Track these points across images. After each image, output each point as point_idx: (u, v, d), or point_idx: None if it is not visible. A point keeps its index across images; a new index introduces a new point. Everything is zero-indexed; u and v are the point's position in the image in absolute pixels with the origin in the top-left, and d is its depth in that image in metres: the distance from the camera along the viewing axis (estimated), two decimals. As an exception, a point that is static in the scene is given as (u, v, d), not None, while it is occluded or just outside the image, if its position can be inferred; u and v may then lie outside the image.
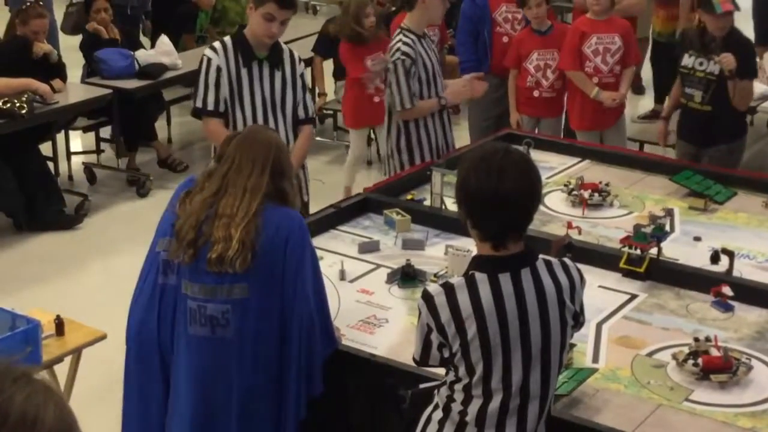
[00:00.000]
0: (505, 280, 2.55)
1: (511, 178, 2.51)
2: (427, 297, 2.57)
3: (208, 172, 3.15)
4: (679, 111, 5.50)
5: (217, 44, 4.31)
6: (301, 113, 4.40)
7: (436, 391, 2.71)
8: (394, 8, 7.28)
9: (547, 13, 6.05)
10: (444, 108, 4.99)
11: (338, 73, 7.28)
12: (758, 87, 6.76)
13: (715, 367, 3.07)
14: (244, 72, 4.26)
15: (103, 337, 4.00)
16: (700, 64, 5.23)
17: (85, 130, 7.36)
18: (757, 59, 7.10)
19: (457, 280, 2.58)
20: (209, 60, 4.25)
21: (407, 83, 4.80)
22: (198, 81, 4.30)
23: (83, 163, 7.35)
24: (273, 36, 4.21)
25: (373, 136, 6.97)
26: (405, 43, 4.81)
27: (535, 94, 6.09)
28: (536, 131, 5.97)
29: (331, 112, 7.72)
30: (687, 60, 5.28)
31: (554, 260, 2.66)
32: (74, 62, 7.36)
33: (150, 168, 7.32)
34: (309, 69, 6.92)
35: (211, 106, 4.26)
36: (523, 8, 6.04)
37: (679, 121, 5.50)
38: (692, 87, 5.28)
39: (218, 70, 4.23)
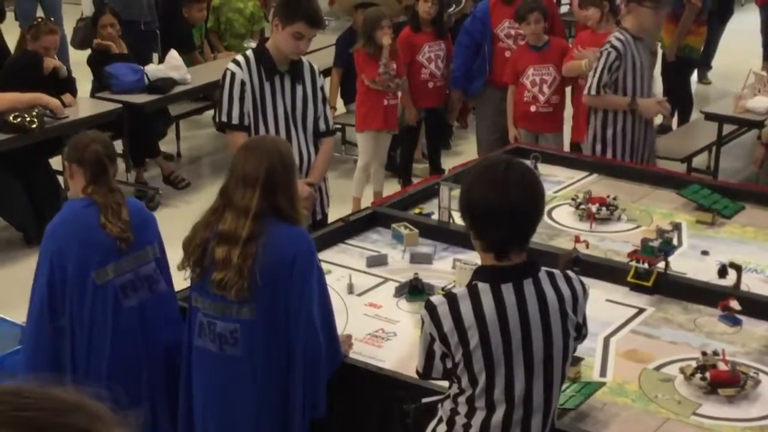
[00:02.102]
0: (508, 290, 2.56)
1: (514, 190, 2.53)
2: (430, 307, 2.58)
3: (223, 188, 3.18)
4: None
5: (240, 58, 4.34)
6: (322, 126, 4.43)
7: (439, 405, 2.72)
8: (402, 19, 7.33)
9: (543, 29, 6.10)
10: (633, 110, 5.22)
11: (348, 96, 7.32)
12: (765, 101, 6.77)
13: (723, 381, 3.06)
14: (267, 86, 4.29)
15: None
16: None
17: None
18: (764, 73, 7.12)
19: (460, 291, 2.59)
20: (233, 74, 4.27)
21: (602, 72, 5.14)
22: (222, 95, 4.33)
23: (92, 177, 7.36)
24: (300, 53, 4.25)
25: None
26: (618, 39, 5.13)
27: (533, 109, 6.12)
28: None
29: (339, 126, 7.74)
30: None
31: (557, 272, 2.68)
32: (83, 76, 7.40)
33: (158, 182, 7.34)
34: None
35: (236, 120, 4.28)
36: (521, 24, 6.09)
37: None
38: None
39: (242, 84, 4.25)
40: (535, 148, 5.33)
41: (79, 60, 7.62)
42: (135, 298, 3.31)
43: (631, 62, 5.16)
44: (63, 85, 6.55)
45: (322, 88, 4.43)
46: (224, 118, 4.33)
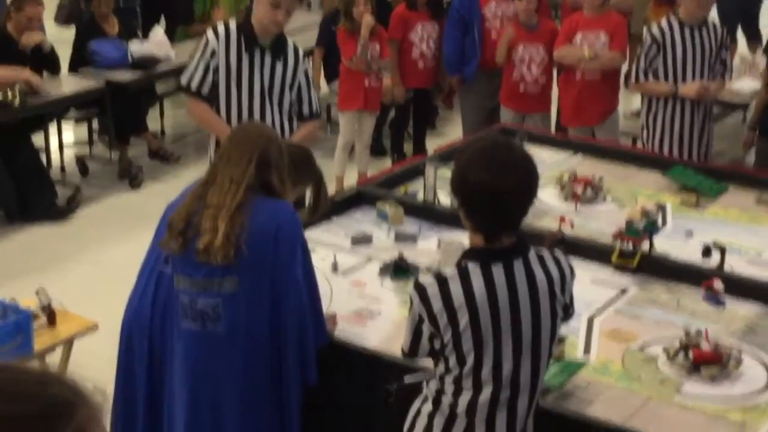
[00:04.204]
0: (498, 271, 2.56)
1: (513, 174, 2.52)
2: (420, 287, 2.58)
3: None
4: (765, 110, 5.41)
5: (221, 27, 4.35)
6: (305, 110, 4.45)
7: (425, 384, 2.72)
8: None
9: (537, 7, 6.07)
10: (675, 97, 5.27)
11: (330, 75, 7.30)
12: (750, 83, 6.78)
13: (706, 360, 3.08)
14: (245, 57, 4.29)
15: (95, 328, 4.00)
16: None
17: (78, 121, 7.35)
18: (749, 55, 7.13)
19: (449, 271, 2.59)
20: (207, 42, 4.32)
21: (642, 58, 5.27)
22: (191, 58, 4.35)
23: (75, 155, 7.34)
24: (278, 24, 4.24)
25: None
26: (659, 26, 5.28)
27: (521, 88, 6.11)
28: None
29: (324, 105, 7.71)
30: None
31: (545, 253, 2.68)
32: (62, 54, 7.34)
33: (142, 160, 7.32)
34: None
35: (194, 87, 4.33)
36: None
37: (764, 120, 5.42)
38: None
39: (212, 53, 4.28)
40: (523, 129, 5.32)
41: (59, 37, 7.55)
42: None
43: (672, 49, 5.21)
44: (45, 61, 6.49)
45: (306, 72, 4.42)
46: (184, 82, 4.39)
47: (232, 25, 4.34)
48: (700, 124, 5.36)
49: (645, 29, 5.24)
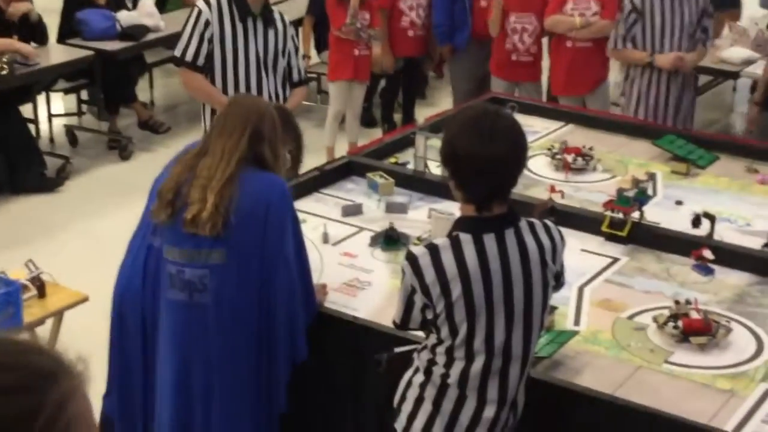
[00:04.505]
0: (490, 240, 2.56)
1: (501, 142, 2.51)
2: (412, 258, 2.57)
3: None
4: None
5: None
6: (295, 76, 4.50)
7: (416, 355, 2.72)
8: None
9: None
10: (651, 66, 5.21)
11: (323, 44, 7.25)
12: (741, 52, 6.77)
13: (695, 329, 3.09)
14: (239, 27, 4.29)
15: (85, 300, 4.00)
16: None
17: (67, 92, 7.30)
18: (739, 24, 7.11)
19: (441, 241, 2.58)
20: (200, 12, 4.29)
21: (622, 25, 5.21)
22: (184, 30, 4.32)
23: (65, 125, 7.30)
24: None
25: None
26: None
27: (513, 57, 6.09)
28: (516, 95, 5.98)
29: (314, 75, 7.68)
30: None
31: (537, 222, 2.67)
32: (49, 24, 7.28)
33: (132, 131, 7.29)
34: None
35: (189, 58, 4.31)
36: None
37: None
38: None
39: (206, 23, 4.26)
40: (512, 97, 5.31)
41: (46, 7, 7.49)
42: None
43: (650, 17, 5.15)
44: (32, 30, 6.44)
45: (293, 38, 4.44)
46: (178, 53, 4.37)
47: None
48: (677, 93, 5.31)
49: None
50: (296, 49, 4.49)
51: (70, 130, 7.19)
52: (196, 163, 3.03)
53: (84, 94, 7.40)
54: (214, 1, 4.29)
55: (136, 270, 3.17)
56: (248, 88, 4.34)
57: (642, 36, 5.21)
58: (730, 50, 6.81)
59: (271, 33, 4.35)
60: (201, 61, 4.30)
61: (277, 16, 4.42)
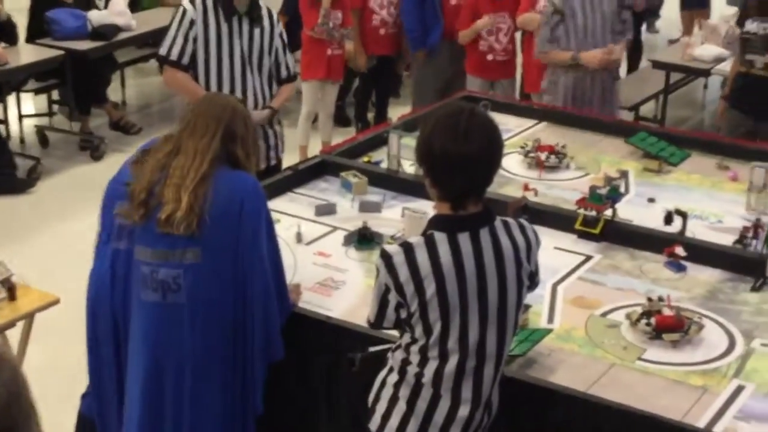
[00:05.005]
0: (464, 239, 2.55)
1: (477, 140, 2.50)
2: (386, 256, 2.56)
3: (168, 134, 3.13)
4: (735, 81, 5.38)
5: None
6: (283, 72, 4.52)
7: (390, 354, 2.71)
8: None
9: None
10: (576, 64, 5.18)
11: (293, 44, 7.23)
12: (712, 50, 6.81)
13: (668, 326, 3.10)
14: (224, 26, 4.30)
15: (56, 302, 3.95)
16: (764, 29, 5.11)
17: (37, 92, 7.24)
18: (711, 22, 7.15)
19: (416, 240, 2.57)
20: (185, 11, 4.31)
21: (545, 28, 5.20)
22: (169, 28, 4.32)
23: (35, 126, 7.23)
24: None
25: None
26: None
27: (489, 57, 6.10)
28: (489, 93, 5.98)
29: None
30: (749, 25, 5.17)
31: (511, 221, 2.67)
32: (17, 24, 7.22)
33: (103, 131, 7.23)
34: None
35: (174, 57, 4.32)
36: None
37: (736, 90, 5.38)
38: (755, 53, 5.14)
39: (191, 23, 4.27)
40: (485, 96, 5.32)
41: (14, 6, 7.42)
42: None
43: (572, 16, 5.14)
44: (2, 30, 6.37)
45: (281, 35, 4.45)
46: (163, 52, 4.38)
47: None
48: (600, 87, 5.32)
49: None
50: (284, 46, 4.49)
51: (40, 131, 7.13)
52: (168, 163, 3.01)
53: (55, 95, 7.34)
54: (199, 1, 4.29)
55: (104, 277, 3.15)
56: (232, 86, 4.34)
57: (566, 36, 5.19)
58: (701, 48, 6.86)
59: (257, 32, 4.35)
60: (186, 60, 4.32)
61: (265, 13, 4.42)
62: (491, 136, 2.56)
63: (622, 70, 8.61)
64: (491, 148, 2.56)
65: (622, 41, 5.33)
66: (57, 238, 5.73)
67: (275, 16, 4.47)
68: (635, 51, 8.58)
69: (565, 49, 5.17)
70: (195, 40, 4.29)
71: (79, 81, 6.82)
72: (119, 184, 3.11)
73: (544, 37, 5.23)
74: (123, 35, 6.98)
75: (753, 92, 5.22)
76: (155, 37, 7.25)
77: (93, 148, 6.90)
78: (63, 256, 5.25)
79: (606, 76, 5.32)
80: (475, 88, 6.00)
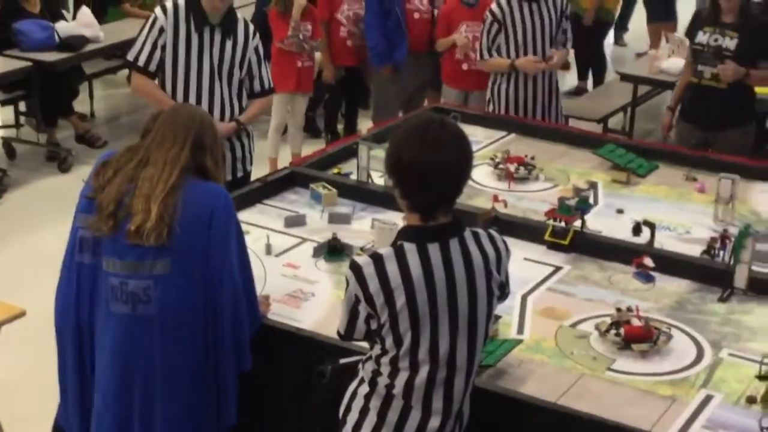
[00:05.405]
0: (434, 250, 2.55)
1: (447, 150, 2.51)
2: (356, 267, 2.56)
3: (130, 146, 3.11)
4: (686, 93, 5.43)
5: (169, 4, 4.29)
6: (257, 87, 4.45)
7: (360, 366, 2.70)
8: None
9: None
10: (513, 70, 5.40)
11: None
12: (679, 62, 6.87)
13: (637, 336, 3.11)
14: (195, 37, 4.27)
15: (22, 314, 3.91)
16: (715, 40, 5.15)
17: (4, 103, 7.18)
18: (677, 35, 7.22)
19: (385, 251, 2.57)
20: (155, 19, 4.28)
21: (485, 36, 5.42)
22: (139, 34, 4.30)
23: (2, 137, 7.17)
24: (218, 5, 4.21)
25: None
26: (498, 4, 5.40)
27: (464, 67, 6.10)
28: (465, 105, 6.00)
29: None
30: (701, 37, 5.22)
31: (481, 231, 2.68)
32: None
33: (70, 143, 7.18)
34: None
35: (141, 63, 4.30)
36: None
37: (687, 103, 5.42)
38: (705, 64, 5.18)
39: (161, 30, 4.25)
40: (455, 108, 5.33)
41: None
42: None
43: (512, 25, 5.34)
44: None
45: (257, 48, 4.40)
46: (131, 57, 4.36)
47: (181, 2, 4.28)
48: (542, 93, 5.47)
49: (488, 11, 5.45)
50: (259, 59, 4.42)
51: (7, 143, 7.07)
52: (137, 174, 2.99)
53: (22, 106, 7.28)
54: (171, 9, 4.26)
55: (70, 291, 3.12)
56: (199, 97, 4.30)
57: (506, 45, 5.40)
58: (668, 61, 6.92)
59: (229, 44, 4.31)
60: (153, 66, 4.29)
61: (240, 26, 4.34)
62: (462, 146, 2.57)
63: (589, 83, 8.73)
64: (462, 159, 2.56)
65: (562, 50, 5.49)
66: (24, 250, 5.67)
67: (251, 29, 4.41)
68: (598, 63, 8.65)
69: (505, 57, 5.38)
70: (164, 48, 4.27)
71: (47, 92, 6.77)
72: (82, 197, 3.08)
73: (485, 46, 5.42)
74: (91, 46, 6.94)
75: (703, 103, 5.27)
76: (123, 48, 7.21)
77: (60, 160, 6.85)
78: (29, 268, 5.20)
79: (547, 85, 5.47)
80: (450, 99, 6.02)
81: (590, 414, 2.76)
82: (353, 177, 4.28)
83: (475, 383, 2.75)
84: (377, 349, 2.62)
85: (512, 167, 4.42)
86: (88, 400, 3.15)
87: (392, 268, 2.53)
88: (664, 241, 3.82)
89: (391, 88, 6.40)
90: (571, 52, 8.28)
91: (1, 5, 7.08)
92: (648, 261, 3.58)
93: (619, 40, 10.28)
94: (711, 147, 5.22)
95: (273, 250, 3.70)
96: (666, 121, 5.70)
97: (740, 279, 3.49)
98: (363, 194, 4.13)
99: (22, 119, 7.34)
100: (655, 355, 3.11)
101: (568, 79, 8.87)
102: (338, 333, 2.72)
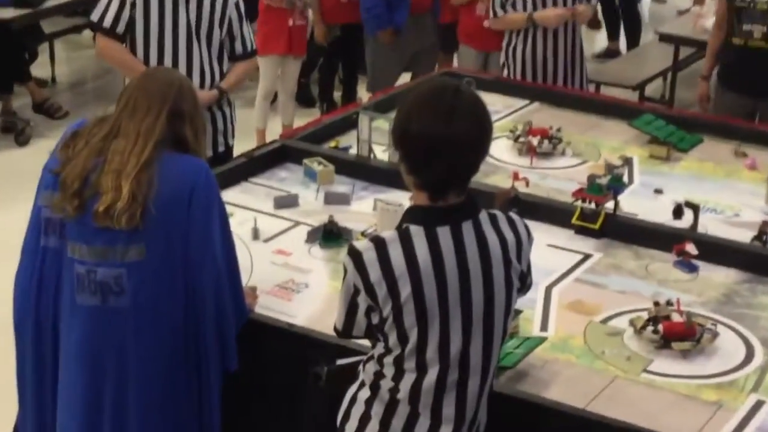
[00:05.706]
0: (444, 234, 2.56)
1: (463, 121, 2.51)
2: (355, 253, 2.56)
3: (104, 115, 3.12)
4: (726, 57, 5.41)
5: None
6: (238, 48, 4.49)
7: (361, 367, 2.72)
8: None
9: None
10: (531, 25, 5.39)
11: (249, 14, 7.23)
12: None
13: (677, 334, 3.13)
14: None
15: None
16: None
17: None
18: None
19: (389, 234, 2.58)
20: None
21: None
22: None
23: (-49, 106, 7.18)
24: None
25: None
26: None
27: (486, 24, 6.11)
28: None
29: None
30: None
31: (499, 214, 2.68)
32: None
33: (28, 113, 7.20)
34: None
35: (107, 23, 4.32)
36: None
37: (728, 69, 5.42)
38: (752, 22, 5.18)
39: None
40: (469, 74, 5.34)
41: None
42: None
43: None
44: None
45: (237, 4, 4.42)
46: (95, 18, 4.39)
47: None
48: (564, 55, 5.45)
49: None
50: (240, 17, 4.46)
51: (-44, 112, 7.09)
52: (105, 147, 2.99)
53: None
54: None
55: (31, 276, 3.13)
56: (175, 61, 4.32)
57: (522, 1, 5.36)
58: (711, 19, 6.89)
59: (206, 1, 4.33)
60: (120, 28, 4.30)
61: None
62: (479, 117, 2.57)
63: (622, 45, 8.72)
64: (479, 131, 2.57)
65: (585, 4, 5.47)
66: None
67: None
68: (632, 23, 8.64)
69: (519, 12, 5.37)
70: (133, 5, 4.28)
71: (1, 55, 6.78)
72: (47, 171, 3.09)
73: (498, 2, 5.39)
74: (51, 2, 6.95)
75: (751, 67, 5.26)
76: (88, 4, 7.19)
77: (17, 132, 6.87)
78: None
79: (570, 45, 5.44)
80: (469, 60, 6.03)
81: (624, 422, 2.77)
82: (352, 151, 4.29)
83: (493, 387, 2.77)
84: (380, 348, 2.64)
85: (535, 140, 4.43)
86: (47, 408, 3.17)
87: (396, 253, 2.54)
88: (710, 225, 3.83)
89: (390, 55, 6.39)
90: (599, 8, 8.34)
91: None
92: (691, 248, 3.59)
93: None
94: (760, 118, 5.22)
95: (261, 234, 3.71)
96: (702, 91, 5.69)
97: (796, 268, 3.51)
98: (364, 171, 4.14)
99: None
100: (698, 355, 3.12)
101: (598, 40, 8.86)
102: (335, 329, 2.73)
